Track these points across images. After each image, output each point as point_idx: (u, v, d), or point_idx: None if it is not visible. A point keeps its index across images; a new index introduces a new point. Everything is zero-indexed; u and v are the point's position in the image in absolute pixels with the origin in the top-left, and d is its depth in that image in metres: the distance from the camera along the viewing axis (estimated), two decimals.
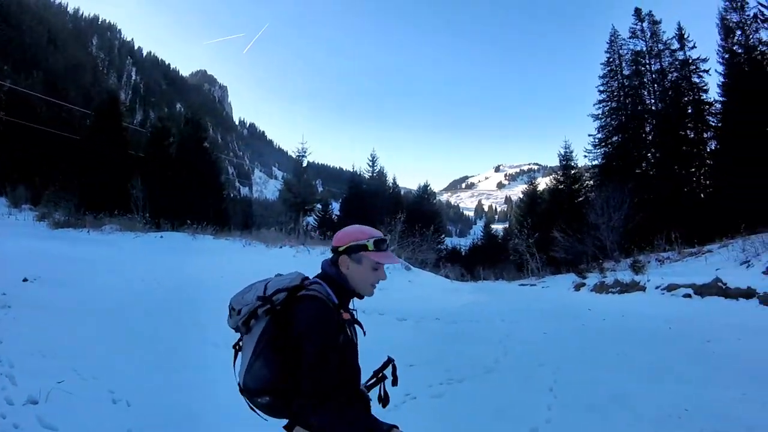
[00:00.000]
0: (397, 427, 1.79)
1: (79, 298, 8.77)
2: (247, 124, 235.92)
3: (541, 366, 7.10)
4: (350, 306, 2.10)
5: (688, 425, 5.00)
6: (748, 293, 11.24)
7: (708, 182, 29.23)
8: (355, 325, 2.10)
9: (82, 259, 12.51)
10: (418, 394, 5.67)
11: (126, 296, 8.84)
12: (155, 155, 32.93)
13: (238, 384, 1.92)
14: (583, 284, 16.35)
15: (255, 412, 1.95)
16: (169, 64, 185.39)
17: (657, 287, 13.11)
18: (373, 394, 2.18)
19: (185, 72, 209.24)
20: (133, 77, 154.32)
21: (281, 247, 17.14)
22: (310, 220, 40.79)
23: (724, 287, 11.72)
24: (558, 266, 24.54)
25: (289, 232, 23.68)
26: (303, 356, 1.76)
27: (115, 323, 7.30)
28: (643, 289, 13.46)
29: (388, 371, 2.22)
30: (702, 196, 28.40)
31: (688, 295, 12.08)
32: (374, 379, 2.21)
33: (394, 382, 2.20)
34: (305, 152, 36.93)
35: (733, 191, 24.35)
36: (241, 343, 1.97)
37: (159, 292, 9.55)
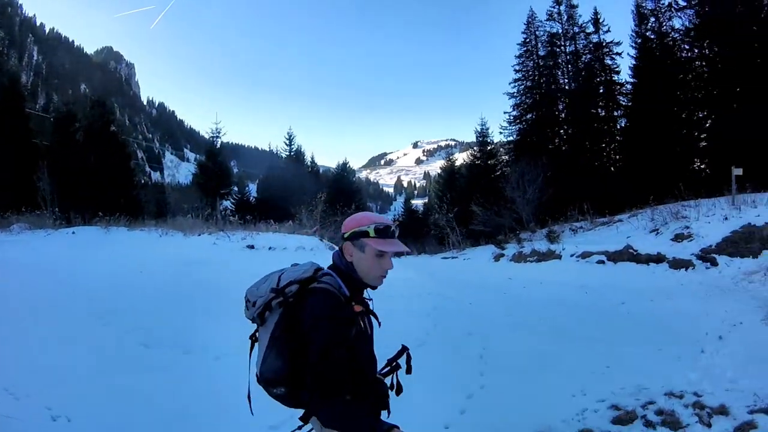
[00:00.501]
0: (397, 427, 1.81)
1: None
2: (156, 104, 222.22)
3: (469, 335, 7.16)
4: (366, 295, 2.10)
5: (611, 380, 5.15)
6: (658, 258, 11.82)
7: (618, 157, 30.67)
8: (371, 316, 2.09)
9: None
10: None
11: (40, 301, 7.66)
12: (61, 143, 30.55)
13: (256, 374, 1.95)
14: (503, 255, 16.61)
15: (249, 404, 2.03)
16: (73, 41, 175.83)
17: (572, 255, 13.50)
18: (387, 382, 2.18)
19: (90, 49, 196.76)
20: (35, 57, 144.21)
21: (200, 235, 16.28)
22: (228, 204, 39.66)
23: (635, 253, 12.25)
24: (477, 239, 24.91)
25: (207, 219, 22.62)
26: (310, 350, 1.77)
27: (42, 329, 6.36)
28: (559, 257, 13.80)
29: (402, 360, 2.24)
30: (612, 169, 29.75)
31: (602, 262, 12.55)
32: (388, 367, 2.22)
33: (408, 371, 2.22)
34: (219, 132, 35.43)
35: (641, 165, 25.91)
36: (257, 334, 2.00)
37: (77, 293, 8.46)
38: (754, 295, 8.74)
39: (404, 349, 2.24)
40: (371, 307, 2.11)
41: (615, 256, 12.49)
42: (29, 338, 5.95)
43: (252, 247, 14.20)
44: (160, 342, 6.27)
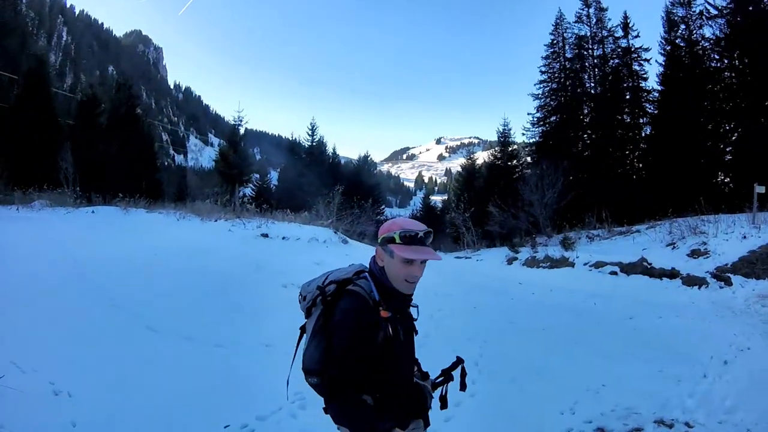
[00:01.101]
0: (399, 428, 1.89)
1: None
2: (183, 88, 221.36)
3: (469, 340, 7.16)
4: (411, 302, 2.13)
5: (604, 400, 5.07)
6: (672, 274, 11.63)
7: (640, 165, 30.15)
8: (407, 321, 2.15)
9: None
10: None
11: (51, 280, 7.80)
12: (85, 125, 30.97)
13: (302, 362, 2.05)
14: (516, 258, 16.55)
15: (286, 385, 2.21)
16: (102, 24, 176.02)
17: (585, 264, 13.36)
18: (437, 393, 2.29)
19: (119, 32, 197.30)
20: (64, 38, 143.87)
21: (216, 221, 16.45)
22: (248, 191, 39.75)
23: (649, 267, 12.08)
24: (493, 240, 24.80)
25: (225, 204, 22.81)
26: (331, 348, 1.90)
27: (52, 309, 6.51)
28: (572, 265, 13.68)
29: (456, 373, 2.31)
30: (634, 178, 29.22)
31: (615, 273, 12.40)
32: (442, 377, 2.30)
33: (462, 387, 2.29)
34: (241, 120, 35.50)
35: (663, 175, 25.52)
36: (306, 326, 2.14)
37: (94, 273, 8.73)
38: (765, 320, 8.55)
39: (459, 361, 2.30)
40: (415, 315, 2.20)
41: (628, 268, 12.34)
42: (39, 315, 6.09)
43: (266, 235, 14.22)
44: (165, 328, 6.45)
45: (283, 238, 14.24)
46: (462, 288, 11.40)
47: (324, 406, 1.91)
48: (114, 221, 15.91)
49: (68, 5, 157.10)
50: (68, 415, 4.06)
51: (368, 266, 2.14)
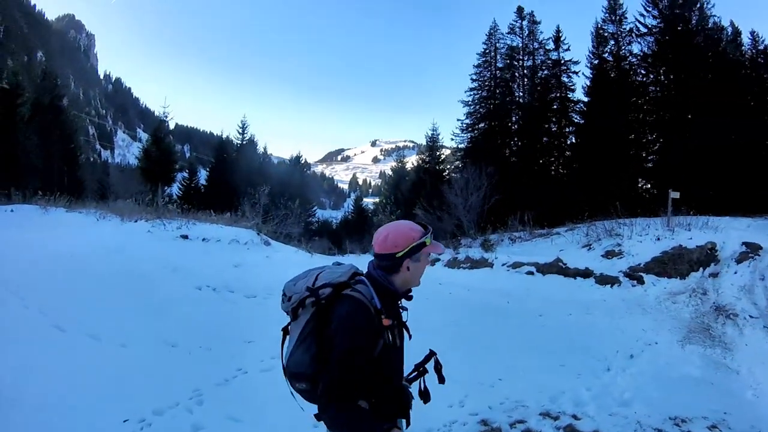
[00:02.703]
0: (398, 427, 1.81)
1: None
2: (113, 79, 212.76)
3: None
4: (402, 303, 2.12)
5: (497, 393, 4.98)
6: (586, 273, 11.64)
7: (565, 171, 31.03)
8: (401, 328, 2.12)
9: None
10: (250, 369, 5.58)
11: None
12: (4, 115, 29.14)
13: (283, 365, 1.98)
14: (438, 259, 16.25)
15: (294, 397, 2.02)
16: (34, 5, 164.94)
17: (504, 264, 13.23)
18: (414, 388, 2.28)
19: (51, 15, 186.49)
20: None
21: (136, 221, 15.77)
22: (175, 189, 38.39)
23: (564, 267, 12.07)
24: None
25: (148, 204, 21.77)
26: (330, 355, 1.81)
27: None
28: (491, 265, 13.51)
29: (430, 366, 2.28)
30: (558, 183, 29.84)
31: (531, 273, 12.32)
32: (416, 372, 2.29)
33: (441, 380, 2.27)
34: (167, 116, 34.03)
35: (586, 181, 26.26)
36: (289, 327, 2.04)
37: (7, 272, 8.41)
38: (675, 316, 8.57)
39: (431, 353, 2.28)
40: (404, 318, 2.16)
41: (544, 268, 12.24)
42: None
43: (186, 237, 13.77)
44: (72, 327, 6.30)
45: (203, 239, 13.73)
46: None
47: (316, 413, 1.84)
48: (32, 221, 15.68)
49: None
50: None
51: (367, 270, 2.07)
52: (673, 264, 11.33)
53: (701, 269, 11.11)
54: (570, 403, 4.58)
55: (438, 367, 2.28)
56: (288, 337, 2.03)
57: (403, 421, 2.12)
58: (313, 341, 1.89)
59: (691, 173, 21.64)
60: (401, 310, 2.13)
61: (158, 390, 4.82)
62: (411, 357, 5.49)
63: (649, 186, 26.95)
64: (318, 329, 1.89)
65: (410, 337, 2.18)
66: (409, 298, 2.09)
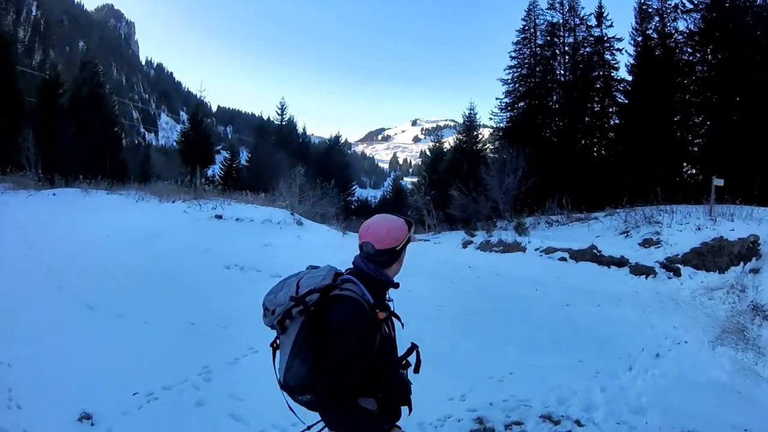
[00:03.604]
0: (398, 427, 1.88)
1: None
2: (155, 65, 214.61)
3: (406, 325, 6.59)
4: (387, 296, 2.12)
5: (503, 389, 4.88)
6: (621, 262, 11.37)
7: (607, 153, 30.10)
8: (393, 318, 2.13)
9: None
10: (261, 348, 5.44)
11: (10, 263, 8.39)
12: (46, 106, 29.96)
13: (279, 381, 1.97)
14: (471, 242, 16.18)
15: (291, 410, 2.04)
16: None
17: (537, 249, 13.12)
18: None
19: (90, 6, 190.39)
20: (34, 12, 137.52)
21: (173, 202, 16.49)
22: (217, 170, 39.05)
23: (598, 254, 11.81)
24: (455, 223, 24.49)
25: (186, 185, 22.35)
26: (330, 355, 1.80)
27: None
28: (524, 250, 13.42)
29: (412, 358, 2.25)
30: (600, 165, 28.97)
31: (564, 259, 12.16)
32: (404, 360, 2.25)
33: (416, 369, 2.25)
34: (203, 99, 34.74)
35: (630, 164, 25.41)
36: (278, 342, 2.01)
37: (46, 255, 9.14)
38: (709, 314, 8.25)
39: (414, 346, 2.23)
40: (392, 308, 2.13)
41: (578, 255, 12.01)
42: None
43: (220, 217, 14.35)
44: (101, 306, 6.69)
45: (237, 219, 14.30)
46: (404, 273, 10.90)
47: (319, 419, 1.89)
48: (73, 203, 16.08)
49: None
50: (6, 381, 4.42)
51: (354, 267, 2.07)
52: (712, 256, 10.90)
53: (742, 264, 10.64)
54: (578, 406, 4.44)
55: (418, 360, 2.24)
56: (278, 351, 2.00)
57: (406, 408, 2.15)
58: (308, 350, 1.86)
59: (738, 159, 20.71)
60: (388, 302, 2.13)
61: (170, 366, 5.02)
62: (428, 347, 5.54)
63: (693, 171, 25.88)
64: (310, 337, 1.86)
65: (402, 325, 2.16)
66: (396, 286, 2.09)
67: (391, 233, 2.01)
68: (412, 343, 2.23)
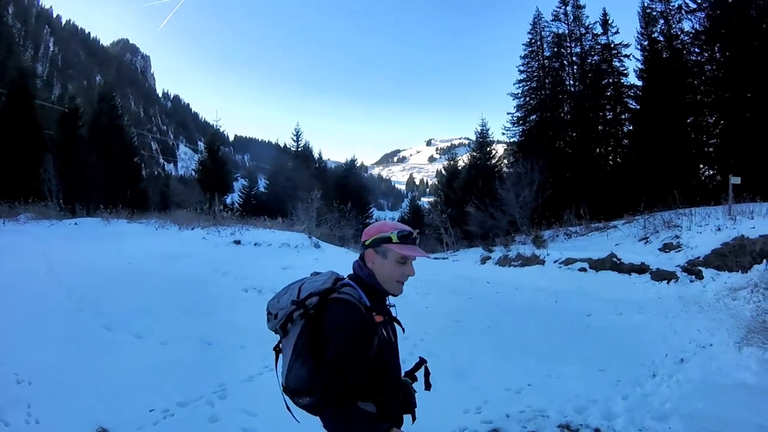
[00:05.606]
0: (398, 428, 1.78)
1: None
2: (171, 96, 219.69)
3: (405, 339, 6.55)
4: (388, 301, 2.12)
5: (520, 401, 4.83)
6: (641, 269, 11.24)
7: (622, 161, 29.99)
8: (394, 323, 2.12)
9: None
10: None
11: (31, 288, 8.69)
12: (65, 137, 31.30)
13: (281, 384, 1.97)
14: (489, 258, 16.17)
15: (291, 413, 2.03)
16: (89, 33, 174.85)
17: (555, 261, 13.06)
18: None
19: (106, 41, 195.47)
20: (51, 48, 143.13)
21: (193, 229, 16.85)
22: (235, 197, 39.48)
23: (618, 262, 11.70)
24: (473, 240, 24.49)
25: (205, 212, 22.71)
26: (325, 357, 1.80)
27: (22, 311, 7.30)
28: (543, 262, 13.36)
29: (420, 373, 2.26)
30: (615, 173, 28.94)
31: (584, 269, 12.07)
32: (407, 378, 2.24)
33: (427, 387, 2.24)
34: (219, 128, 35.41)
35: (646, 170, 25.29)
36: (281, 345, 2.03)
37: (66, 280, 9.37)
38: (734, 314, 8.04)
39: (422, 361, 2.26)
40: (394, 314, 2.14)
41: (597, 264, 11.91)
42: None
43: (238, 242, 14.49)
44: (119, 328, 6.88)
45: (255, 244, 14.43)
46: (423, 289, 10.90)
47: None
48: (94, 232, 16.63)
49: (54, 15, 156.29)
50: (26, 398, 4.58)
51: (353, 272, 2.08)
52: (734, 256, 10.67)
53: (765, 261, 10.35)
54: (598, 414, 4.36)
55: (427, 374, 2.26)
56: (281, 355, 2.03)
57: (409, 416, 2.13)
58: (309, 353, 1.88)
59: (755, 156, 20.50)
60: (389, 307, 2.13)
61: (187, 384, 5.14)
62: (444, 361, 5.58)
63: (711, 173, 25.75)
64: (311, 340, 1.89)
65: (404, 330, 2.17)
66: (386, 294, 2.05)
67: (371, 230, 2.03)
68: (420, 358, 2.26)
